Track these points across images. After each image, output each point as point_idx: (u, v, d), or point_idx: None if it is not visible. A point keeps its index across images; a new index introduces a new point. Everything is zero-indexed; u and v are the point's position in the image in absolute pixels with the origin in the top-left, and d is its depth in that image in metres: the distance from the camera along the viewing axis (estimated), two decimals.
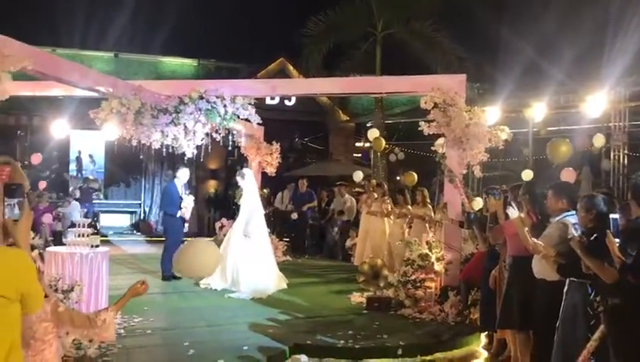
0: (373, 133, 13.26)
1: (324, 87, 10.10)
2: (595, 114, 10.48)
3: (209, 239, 10.50)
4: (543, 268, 4.87)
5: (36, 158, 12.26)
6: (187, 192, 10.01)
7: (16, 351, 2.30)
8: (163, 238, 10.86)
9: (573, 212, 4.64)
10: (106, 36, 18.34)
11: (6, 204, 2.51)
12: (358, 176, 13.88)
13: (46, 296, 3.03)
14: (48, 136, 15.67)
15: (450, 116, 7.84)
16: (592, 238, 3.94)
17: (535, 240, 4.73)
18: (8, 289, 2.18)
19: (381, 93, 10.72)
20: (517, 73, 13.49)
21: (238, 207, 10.77)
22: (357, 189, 15.35)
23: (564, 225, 4.69)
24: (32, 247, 3.15)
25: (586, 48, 13.51)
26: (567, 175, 8.67)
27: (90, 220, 7.79)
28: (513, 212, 5.10)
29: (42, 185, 12.99)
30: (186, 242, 7.93)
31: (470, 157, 7.91)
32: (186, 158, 8.90)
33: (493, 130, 8.05)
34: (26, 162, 12.58)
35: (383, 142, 13.53)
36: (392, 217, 10.83)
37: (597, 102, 10.31)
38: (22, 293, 2.25)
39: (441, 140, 9.14)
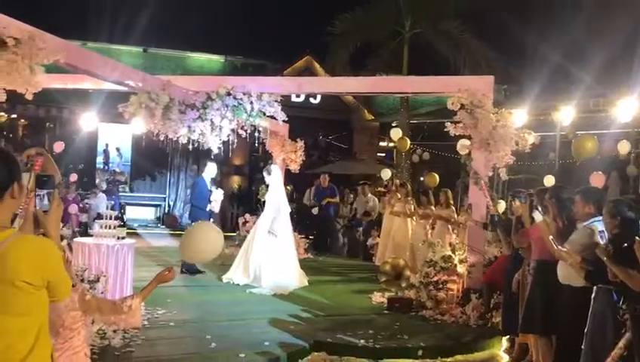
0: (397, 133, 13.21)
1: (350, 85, 10.08)
2: (624, 119, 10.31)
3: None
4: (568, 274, 4.82)
5: (59, 146, 12.46)
6: (215, 187, 10.11)
7: (44, 336, 2.35)
8: None
9: (600, 218, 4.59)
10: (135, 31, 18.56)
11: (36, 194, 2.56)
12: (386, 174, 13.83)
13: (73, 285, 3.10)
14: (77, 128, 15.95)
15: (477, 118, 7.78)
16: (622, 246, 3.88)
17: (560, 248, 4.68)
18: (34, 277, 2.23)
19: (408, 93, 10.67)
20: (545, 76, 13.35)
21: (261, 203, 10.86)
22: (379, 189, 15.32)
23: (591, 230, 4.64)
24: (61, 237, 3.21)
25: (615, 52, 13.33)
26: (597, 179, 8.54)
27: (117, 212, 7.90)
28: (539, 216, 5.07)
29: (73, 177, 13.26)
30: (188, 228, 7.92)
31: (496, 159, 7.85)
32: (212, 154, 8.98)
33: (520, 132, 7.97)
34: (54, 153, 12.76)
35: (408, 142, 13.47)
36: (415, 218, 10.80)
37: (627, 107, 10.14)
38: (48, 281, 2.30)
39: (464, 141, 9.08)
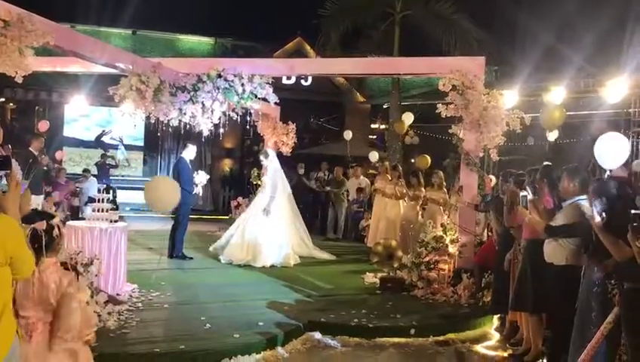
0: (409, 117, 13.14)
1: (343, 67, 10.05)
2: (614, 99, 10.33)
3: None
4: (552, 252, 4.92)
5: (43, 126, 12.46)
6: (198, 170, 10.04)
7: (8, 313, 2.38)
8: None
9: (585, 196, 4.65)
10: (124, 13, 18.36)
11: None
12: (374, 156, 13.89)
13: (75, 270, 3.13)
14: (67, 111, 15.84)
15: (468, 99, 7.81)
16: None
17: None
18: None
19: (400, 74, 10.64)
20: (536, 56, 13.33)
21: (253, 186, 10.92)
22: (371, 171, 15.37)
23: (573, 208, 4.73)
24: (51, 216, 3.22)
25: (606, 32, 13.32)
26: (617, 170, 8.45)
27: (109, 195, 7.87)
28: (528, 195, 5.16)
29: (59, 155, 13.27)
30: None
31: (487, 140, 7.89)
32: (203, 137, 8.96)
33: (511, 113, 8.01)
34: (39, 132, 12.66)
35: (406, 124, 13.42)
36: (405, 199, 10.85)
37: (617, 88, 10.16)
38: (11, 256, 2.32)
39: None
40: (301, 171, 15.10)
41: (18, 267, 2.41)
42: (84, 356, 3.29)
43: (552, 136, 10.90)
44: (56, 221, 3.16)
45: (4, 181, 2.58)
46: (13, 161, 2.73)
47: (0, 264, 2.31)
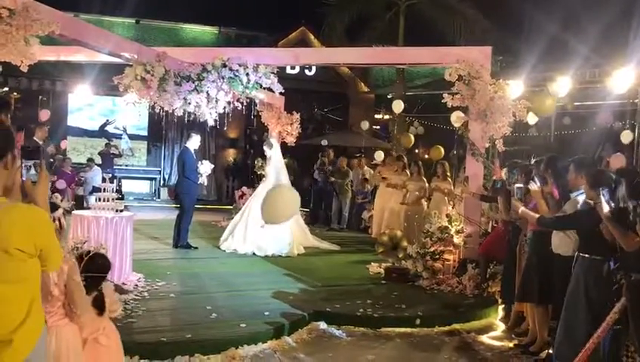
0: (398, 105, 13.14)
1: (348, 56, 10.00)
2: (620, 90, 10.28)
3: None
4: (559, 243, 4.91)
5: (44, 115, 12.45)
6: (202, 160, 10.05)
7: (37, 304, 2.38)
8: None
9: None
10: (127, 2, 18.30)
11: (24, 165, 2.55)
12: (380, 156, 13.95)
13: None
14: (71, 101, 15.81)
15: (474, 89, 7.76)
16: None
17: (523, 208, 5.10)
18: (27, 244, 2.26)
19: (405, 63, 10.57)
20: (541, 46, 13.26)
21: (257, 175, 10.93)
22: (375, 162, 15.35)
23: (577, 202, 4.72)
24: (56, 206, 3.21)
25: (612, 22, 13.24)
26: (616, 161, 8.46)
27: (114, 185, 7.86)
28: (534, 186, 5.15)
29: (64, 144, 13.24)
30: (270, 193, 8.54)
31: (493, 130, 7.86)
32: (208, 127, 8.93)
33: (517, 103, 7.97)
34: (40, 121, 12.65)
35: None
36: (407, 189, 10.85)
37: (623, 78, 10.11)
38: (40, 249, 2.32)
39: (458, 113, 9.06)
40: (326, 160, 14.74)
41: (49, 259, 2.40)
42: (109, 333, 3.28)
43: (532, 120, 10.94)
44: (58, 214, 3.14)
45: (33, 171, 2.55)
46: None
47: (30, 256, 2.29)
